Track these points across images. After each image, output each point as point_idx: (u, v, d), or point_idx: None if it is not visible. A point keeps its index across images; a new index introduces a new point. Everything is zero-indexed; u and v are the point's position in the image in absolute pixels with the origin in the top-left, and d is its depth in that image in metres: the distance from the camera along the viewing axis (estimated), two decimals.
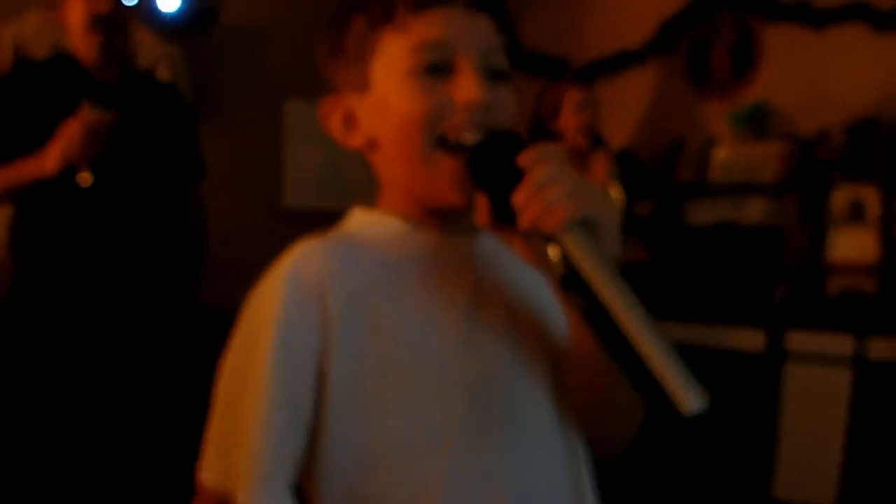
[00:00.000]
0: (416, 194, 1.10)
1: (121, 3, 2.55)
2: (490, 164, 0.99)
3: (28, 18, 3.96)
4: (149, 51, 3.76)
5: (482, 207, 1.01)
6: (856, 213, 4.09)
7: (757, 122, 4.59)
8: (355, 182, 4.42)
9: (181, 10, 4.10)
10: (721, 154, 4.65)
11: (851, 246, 4.05)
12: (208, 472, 1.04)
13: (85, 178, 2.35)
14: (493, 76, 1.07)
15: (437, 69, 1.04)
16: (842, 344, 3.73)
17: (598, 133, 3.74)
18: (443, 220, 1.11)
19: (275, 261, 1.08)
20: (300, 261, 1.05)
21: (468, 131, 1.03)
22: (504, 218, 0.97)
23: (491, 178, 0.99)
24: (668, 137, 4.85)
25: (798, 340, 3.90)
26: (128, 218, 2.54)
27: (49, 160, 2.31)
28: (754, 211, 4.58)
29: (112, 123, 2.35)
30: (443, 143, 1.03)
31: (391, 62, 1.06)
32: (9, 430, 2.39)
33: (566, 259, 0.91)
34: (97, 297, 2.47)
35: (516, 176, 0.94)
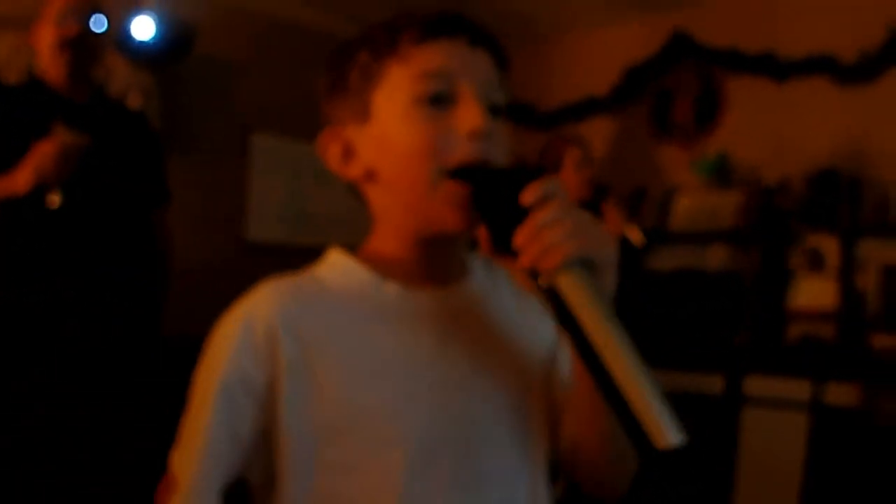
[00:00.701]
0: (413, 224, 1.10)
1: (89, 27, 2.64)
2: (494, 198, 0.99)
3: (2, 41, 3.99)
4: (120, 77, 3.79)
5: (483, 236, 1.02)
6: (815, 262, 4.16)
7: (720, 172, 4.66)
8: (319, 216, 4.43)
9: (155, 39, 4.13)
10: (683, 202, 4.71)
11: (811, 294, 4.11)
12: (174, 459, 1.09)
13: (54, 200, 2.38)
14: (492, 111, 1.07)
15: (439, 99, 1.04)
16: (800, 389, 3.77)
17: (601, 183, 3.71)
18: (428, 259, 1.12)
19: (237, 294, 1.10)
20: (259, 304, 1.08)
21: (471, 161, 1.03)
22: (504, 250, 0.97)
23: (494, 212, 1.00)
24: (630, 184, 4.90)
25: (757, 385, 3.94)
26: (94, 235, 2.59)
27: (21, 179, 2.36)
28: (716, 258, 4.65)
29: (84, 146, 2.40)
30: (446, 174, 1.04)
31: (393, 92, 1.06)
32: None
33: (560, 297, 0.92)
34: (65, 301, 2.52)
35: (519, 212, 0.94)
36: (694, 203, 4.69)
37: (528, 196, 0.94)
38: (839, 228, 4.10)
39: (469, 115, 1.03)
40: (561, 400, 1.15)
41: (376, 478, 1.03)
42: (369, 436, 1.04)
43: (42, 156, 2.33)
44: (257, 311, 1.06)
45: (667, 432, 0.86)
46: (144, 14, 4.06)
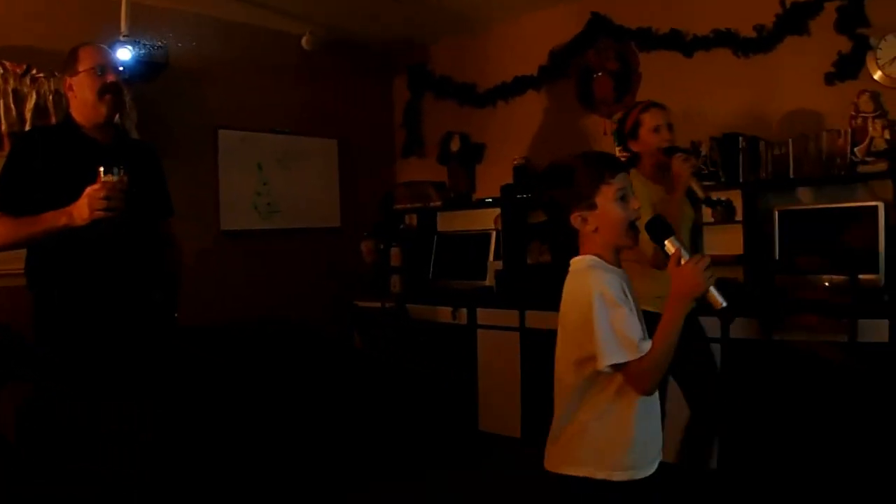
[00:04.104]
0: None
1: (122, 76, 3.10)
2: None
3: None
4: None
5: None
6: (728, 215, 4.62)
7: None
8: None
9: (133, 64, 4.44)
10: None
11: (719, 243, 4.61)
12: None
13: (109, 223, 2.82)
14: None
15: (624, 198, 2.14)
16: (710, 325, 4.17)
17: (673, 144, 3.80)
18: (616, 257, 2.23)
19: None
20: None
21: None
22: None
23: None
24: (560, 152, 5.29)
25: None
26: (131, 245, 3.05)
27: (78, 216, 2.79)
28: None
29: (126, 183, 2.83)
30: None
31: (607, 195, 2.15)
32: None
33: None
34: (109, 317, 2.98)
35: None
36: None
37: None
38: (743, 183, 4.56)
39: (636, 205, 2.15)
40: None
41: None
42: None
43: (94, 197, 2.75)
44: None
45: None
46: (124, 45, 4.38)
